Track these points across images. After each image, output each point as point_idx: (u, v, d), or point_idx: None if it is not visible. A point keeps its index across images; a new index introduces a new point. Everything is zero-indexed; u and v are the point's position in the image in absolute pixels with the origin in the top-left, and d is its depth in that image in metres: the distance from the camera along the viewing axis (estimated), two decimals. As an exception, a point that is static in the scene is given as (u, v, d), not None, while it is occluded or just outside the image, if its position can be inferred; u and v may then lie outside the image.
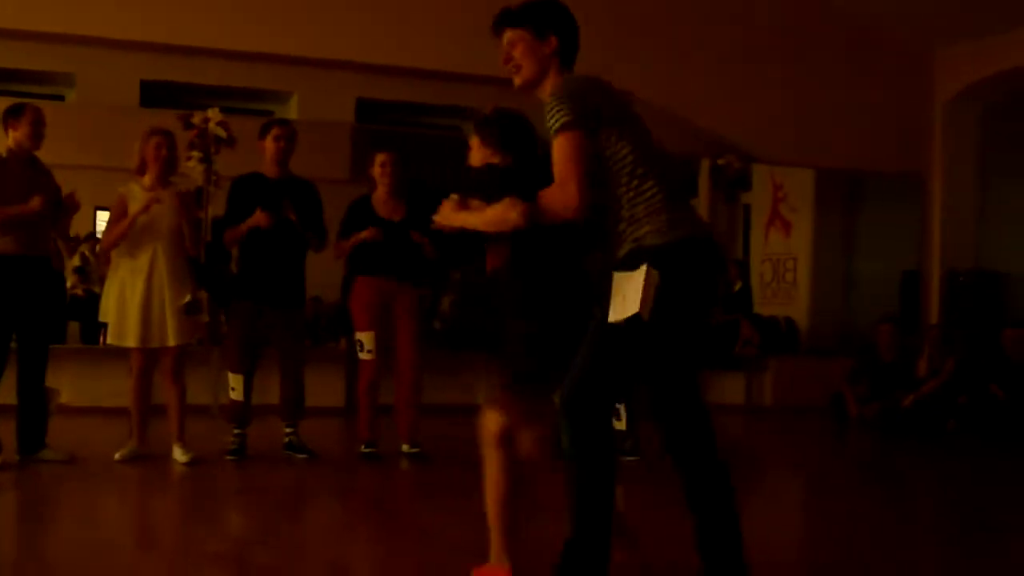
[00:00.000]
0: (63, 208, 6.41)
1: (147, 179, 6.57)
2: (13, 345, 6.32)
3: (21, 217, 6.14)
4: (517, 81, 3.45)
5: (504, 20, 3.46)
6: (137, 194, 6.50)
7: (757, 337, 11.50)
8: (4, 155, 6.33)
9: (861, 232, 13.07)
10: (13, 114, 6.36)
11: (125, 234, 6.42)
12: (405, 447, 6.83)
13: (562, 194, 3.13)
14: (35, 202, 6.12)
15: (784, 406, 11.07)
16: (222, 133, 9.88)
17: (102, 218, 10.44)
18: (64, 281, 7.35)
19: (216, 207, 8.51)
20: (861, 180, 12.87)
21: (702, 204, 13.19)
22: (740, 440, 9.24)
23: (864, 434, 9.50)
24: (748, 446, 8.85)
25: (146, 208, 6.36)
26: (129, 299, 6.40)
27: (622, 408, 6.98)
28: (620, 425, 7.00)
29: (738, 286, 12.06)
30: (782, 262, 13.28)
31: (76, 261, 10.00)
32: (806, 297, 12.87)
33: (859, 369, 10.13)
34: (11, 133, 6.33)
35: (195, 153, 9.91)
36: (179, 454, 6.48)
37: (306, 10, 9.79)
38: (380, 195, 6.91)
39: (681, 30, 10.35)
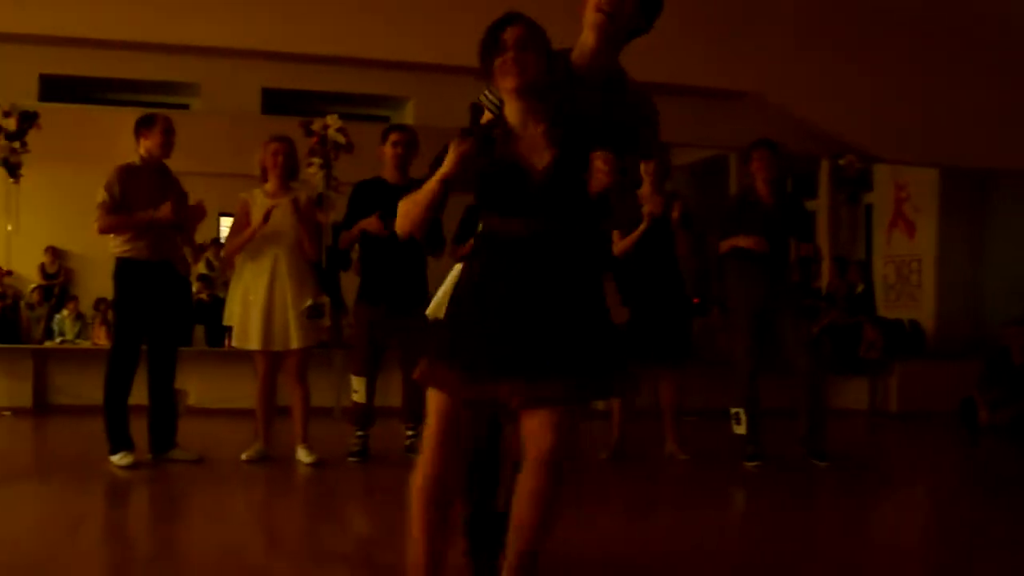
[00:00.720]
0: (191, 215, 6.57)
1: (269, 185, 6.69)
2: (143, 348, 6.49)
3: (151, 223, 6.31)
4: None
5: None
6: (259, 200, 6.62)
7: (881, 340, 11.23)
8: (136, 163, 6.50)
9: (990, 231, 12.68)
10: (145, 124, 6.53)
11: (246, 244, 6.55)
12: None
13: None
14: (164, 209, 6.28)
15: (910, 412, 10.78)
16: (341, 139, 10.03)
17: (225, 224, 10.68)
18: (190, 285, 7.53)
19: (336, 212, 8.64)
20: (989, 178, 12.49)
21: (823, 205, 12.97)
22: (864, 447, 9.04)
23: (995, 441, 9.20)
24: (872, 453, 8.65)
25: (265, 219, 6.47)
26: (252, 303, 6.53)
27: (741, 412, 6.88)
28: (740, 430, 6.92)
29: (860, 288, 11.81)
30: (906, 263, 12.96)
31: (201, 267, 10.24)
32: (932, 299, 12.52)
33: (990, 374, 9.79)
34: (142, 142, 6.50)
35: (315, 159, 10.08)
36: (303, 455, 6.58)
37: (422, 16, 9.88)
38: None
39: (799, 27, 10.16)
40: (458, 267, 3.06)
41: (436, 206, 3.03)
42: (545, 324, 2.97)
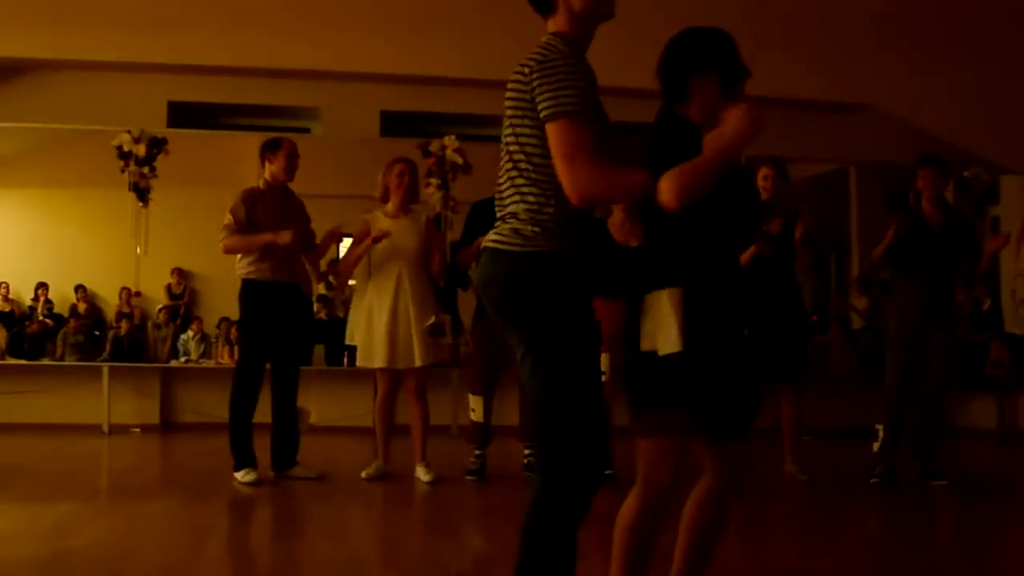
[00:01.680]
0: (326, 240, 6.71)
1: (390, 206, 6.78)
2: (267, 367, 6.64)
3: (272, 247, 6.45)
4: None
5: None
6: (381, 221, 6.71)
7: (1008, 357, 10.90)
8: (260, 187, 6.66)
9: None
10: (271, 148, 6.68)
11: (358, 260, 6.65)
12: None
13: None
14: (285, 236, 6.40)
15: (1041, 431, 10.44)
16: (459, 160, 10.14)
17: (345, 245, 10.86)
18: (312, 306, 7.65)
19: (454, 232, 8.73)
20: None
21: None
22: (992, 468, 8.77)
23: None
24: (1001, 474, 8.39)
25: (375, 241, 6.54)
26: (376, 321, 6.59)
27: (881, 429, 6.76)
28: (876, 447, 6.81)
29: (987, 304, 11.48)
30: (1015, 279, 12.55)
31: (320, 287, 10.44)
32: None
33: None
34: (267, 166, 6.66)
35: (433, 180, 10.21)
36: (422, 473, 6.65)
37: (536, 37, 9.94)
38: (615, 220, 6.90)
39: (916, 36, 9.96)
40: (665, 294, 2.94)
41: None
42: (754, 360, 3.11)
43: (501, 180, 2.97)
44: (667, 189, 2.76)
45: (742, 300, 3.08)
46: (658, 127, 3.10)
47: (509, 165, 2.94)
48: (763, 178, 6.82)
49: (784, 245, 6.74)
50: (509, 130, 2.92)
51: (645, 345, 2.95)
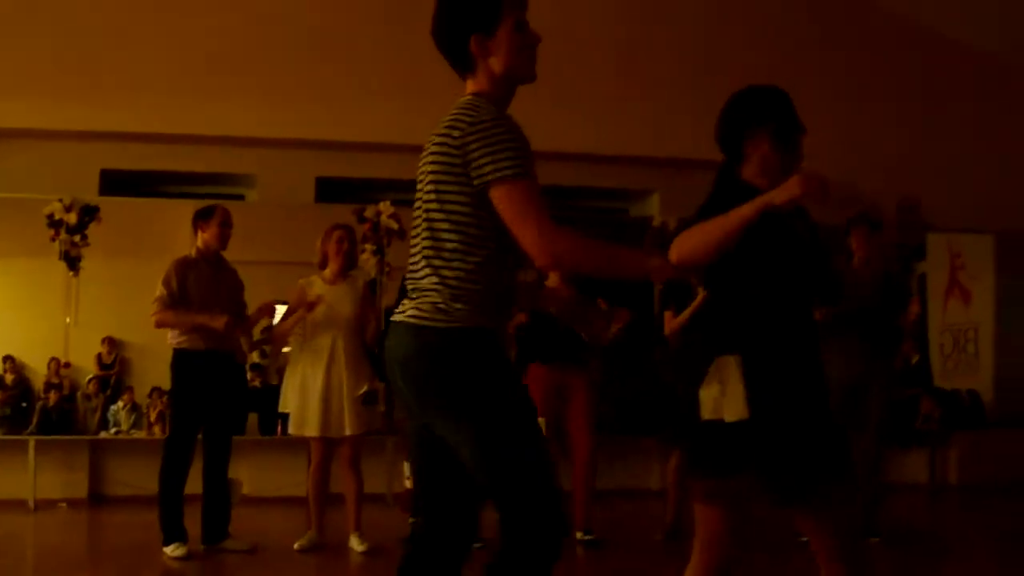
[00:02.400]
0: (257, 314, 6.68)
1: (328, 272, 6.77)
2: (199, 437, 6.56)
3: (205, 328, 6.41)
4: None
5: None
6: (318, 286, 6.70)
7: (938, 412, 11.07)
8: (192, 256, 6.62)
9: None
10: (203, 216, 6.67)
11: (294, 326, 6.63)
12: (579, 534, 6.77)
13: None
14: (219, 320, 6.37)
15: (971, 484, 10.57)
16: (394, 225, 10.17)
17: (280, 311, 10.80)
18: (245, 375, 7.60)
19: (388, 298, 8.73)
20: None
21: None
22: (925, 521, 8.87)
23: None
24: (933, 527, 8.49)
25: (309, 308, 6.53)
26: (310, 389, 6.55)
27: None
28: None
29: (915, 359, 11.66)
30: (963, 332, 12.77)
31: (255, 355, 10.36)
32: (990, 368, 12.32)
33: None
34: (200, 234, 6.63)
35: (368, 246, 10.22)
36: (356, 543, 6.59)
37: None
38: (551, 282, 6.96)
39: (849, 98, 10.20)
40: (727, 360, 2.91)
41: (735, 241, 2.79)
42: (828, 423, 3.05)
43: (415, 251, 2.90)
44: (674, 245, 2.79)
45: (813, 361, 3.04)
46: (717, 189, 3.10)
47: (427, 235, 2.85)
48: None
49: None
50: (431, 196, 2.83)
51: (707, 413, 2.93)
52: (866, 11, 10.43)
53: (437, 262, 2.83)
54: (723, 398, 2.88)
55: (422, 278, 2.85)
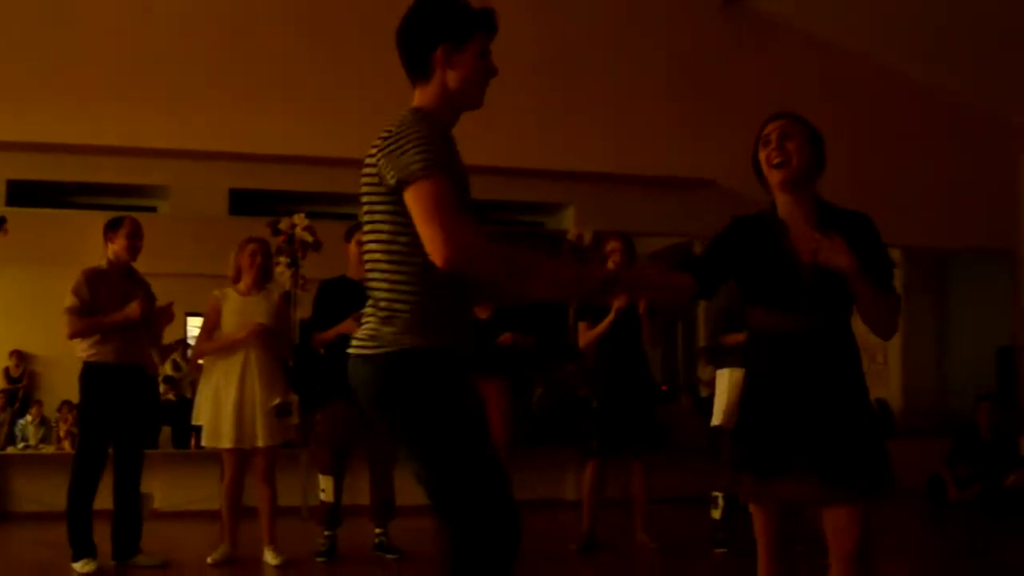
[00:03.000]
0: (158, 318, 6.59)
1: (242, 285, 6.73)
2: (109, 451, 6.45)
3: (121, 324, 6.31)
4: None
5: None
6: (232, 298, 6.66)
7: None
8: (103, 266, 6.53)
9: (952, 309, 12.84)
10: (112, 227, 6.58)
11: (220, 350, 6.57)
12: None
13: None
14: (133, 308, 6.29)
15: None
16: (308, 238, 10.10)
17: (192, 324, 10.66)
18: (157, 387, 7.50)
19: (303, 310, 8.67)
20: (949, 257, 12.67)
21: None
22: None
23: (965, 517, 9.21)
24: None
25: (242, 340, 6.49)
26: (223, 401, 6.50)
27: (720, 497, 6.89)
28: (716, 514, 6.92)
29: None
30: (872, 343, 13.04)
31: (167, 368, 10.22)
32: (898, 378, 12.61)
33: (958, 450, 9.85)
34: (110, 245, 6.54)
35: (282, 258, 10.12)
36: (270, 557, 6.53)
37: (383, 116, 10.02)
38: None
39: (757, 113, 10.36)
40: (730, 373, 3.11)
41: None
42: (832, 420, 3.12)
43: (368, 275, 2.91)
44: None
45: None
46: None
47: (366, 259, 2.87)
48: (610, 251, 6.97)
49: (630, 317, 6.89)
50: (365, 218, 2.83)
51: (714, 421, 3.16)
52: (765, 25, 10.63)
53: (373, 284, 2.83)
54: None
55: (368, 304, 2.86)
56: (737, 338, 6.91)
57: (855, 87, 10.76)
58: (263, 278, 6.79)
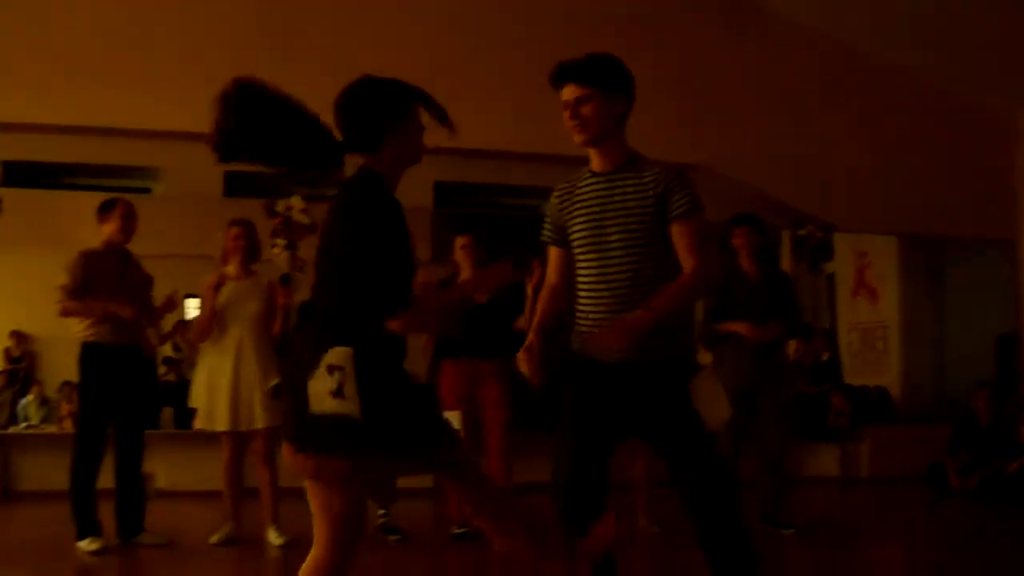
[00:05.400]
0: (162, 308, 6.56)
1: (231, 268, 6.71)
2: (110, 432, 6.42)
3: (113, 317, 6.28)
4: (582, 137, 3.56)
5: (573, 75, 3.52)
6: (225, 285, 6.64)
7: (848, 407, 11.29)
8: (98, 248, 6.48)
9: (951, 296, 12.83)
10: (105, 209, 6.54)
11: (209, 323, 6.55)
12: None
13: (711, 268, 3.50)
14: (126, 311, 6.27)
15: (881, 477, 10.79)
16: (305, 220, 10.05)
17: (189, 305, 10.63)
18: (156, 368, 7.48)
19: (302, 293, 8.63)
20: (947, 244, 12.67)
21: (785, 275, 13.07)
22: (836, 513, 9.03)
23: (967, 504, 9.21)
24: (845, 519, 8.64)
25: (216, 289, 6.51)
26: (218, 384, 6.51)
27: None
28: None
29: (826, 357, 11.88)
30: (871, 330, 13.06)
31: (167, 349, 10.19)
32: (898, 365, 12.61)
33: (958, 437, 9.84)
34: (103, 227, 6.50)
35: (279, 240, 10.07)
36: (273, 537, 6.50)
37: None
38: (464, 278, 6.94)
39: (753, 101, 10.33)
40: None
41: None
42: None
43: None
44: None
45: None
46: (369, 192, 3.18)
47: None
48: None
49: None
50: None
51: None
52: (760, 15, 10.58)
53: None
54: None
55: None
56: (731, 325, 6.92)
57: (852, 77, 10.73)
58: (248, 260, 6.77)
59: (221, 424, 6.51)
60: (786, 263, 12.41)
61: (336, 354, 2.86)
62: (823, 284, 13.72)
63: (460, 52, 9.36)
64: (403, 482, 6.73)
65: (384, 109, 3.09)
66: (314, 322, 3.02)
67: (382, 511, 6.82)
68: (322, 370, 2.86)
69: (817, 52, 10.67)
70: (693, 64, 10.21)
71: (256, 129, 2.93)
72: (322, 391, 2.85)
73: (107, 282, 6.34)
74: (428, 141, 3.18)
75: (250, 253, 6.78)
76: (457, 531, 6.73)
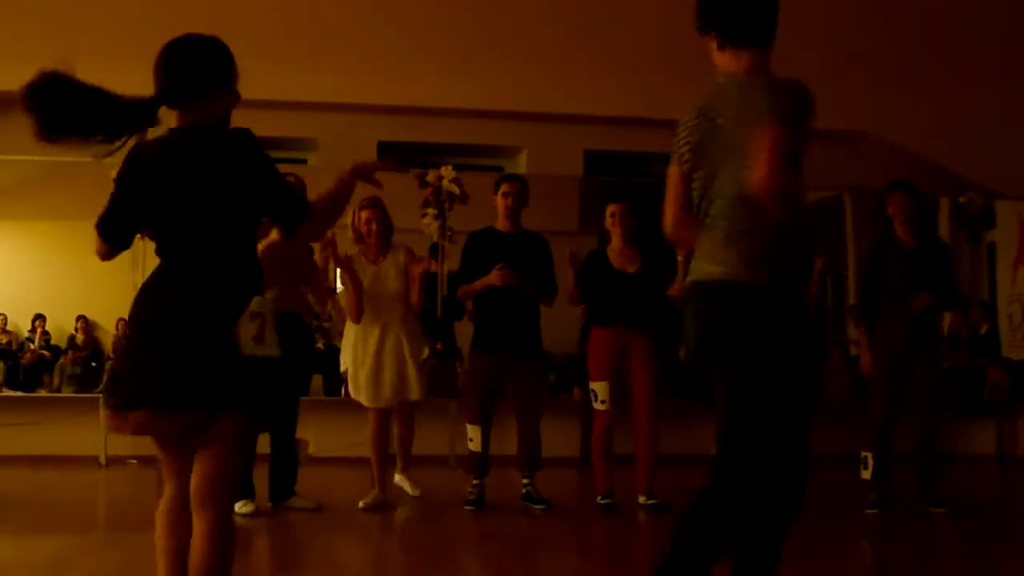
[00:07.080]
0: (321, 254, 6.75)
1: (368, 252, 6.86)
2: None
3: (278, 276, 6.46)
4: None
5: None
6: (364, 266, 6.79)
7: (1007, 382, 10.89)
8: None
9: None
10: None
11: (358, 302, 6.70)
12: (642, 499, 6.75)
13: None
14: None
15: (1040, 455, 10.43)
16: (455, 189, 10.16)
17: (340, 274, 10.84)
18: (313, 336, 7.67)
19: (451, 262, 8.74)
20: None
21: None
22: (992, 493, 8.76)
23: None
24: (1001, 499, 8.38)
25: (351, 275, 6.67)
26: (362, 362, 6.75)
27: (869, 457, 6.74)
28: (866, 475, 6.78)
29: (984, 329, 11.48)
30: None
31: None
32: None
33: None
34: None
35: (430, 210, 10.23)
36: (407, 486, 6.95)
37: (533, 68, 10.02)
38: (615, 246, 6.91)
39: (913, 65, 10.01)
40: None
41: None
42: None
43: None
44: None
45: None
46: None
47: None
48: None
49: None
50: None
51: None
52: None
53: None
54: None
55: None
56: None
57: (994, 44, 10.27)
58: (383, 240, 6.85)
59: (364, 399, 6.78)
60: (945, 232, 12.02)
61: (256, 302, 3.10)
62: (983, 253, 13.23)
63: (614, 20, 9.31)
64: (548, 451, 6.87)
65: (207, 64, 3.25)
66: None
67: (526, 480, 6.85)
68: (246, 317, 3.04)
69: (983, 26, 10.27)
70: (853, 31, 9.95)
71: (66, 109, 3.03)
72: (246, 337, 3.03)
73: (272, 252, 6.51)
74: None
75: (383, 235, 6.87)
76: (602, 501, 6.75)
